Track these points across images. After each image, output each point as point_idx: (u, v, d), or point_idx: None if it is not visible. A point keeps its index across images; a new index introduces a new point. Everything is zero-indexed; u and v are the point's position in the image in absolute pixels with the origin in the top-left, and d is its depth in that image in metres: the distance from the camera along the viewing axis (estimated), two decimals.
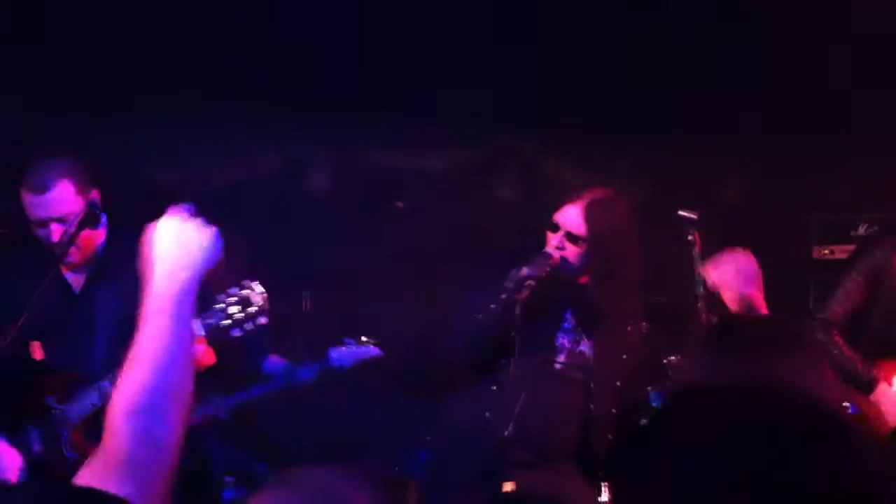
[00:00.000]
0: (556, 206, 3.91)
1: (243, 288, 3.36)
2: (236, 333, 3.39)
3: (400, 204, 5.56)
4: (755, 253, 3.43)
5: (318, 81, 5.42)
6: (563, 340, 3.94)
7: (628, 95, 5.41)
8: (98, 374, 3.60)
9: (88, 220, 3.62)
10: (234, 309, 3.35)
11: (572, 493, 3.77)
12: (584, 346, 3.93)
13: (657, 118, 5.41)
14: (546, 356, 3.89)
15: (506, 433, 3.70)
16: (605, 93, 5.42)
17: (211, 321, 3.37)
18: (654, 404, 4.65)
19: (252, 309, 3.36)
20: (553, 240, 3.83)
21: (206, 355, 3.59)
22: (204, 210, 5.06)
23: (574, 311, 3.94)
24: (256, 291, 3.35)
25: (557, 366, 3.91)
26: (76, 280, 3.77)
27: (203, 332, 3.40)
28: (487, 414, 3.79)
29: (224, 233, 2.24)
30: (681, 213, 3.87)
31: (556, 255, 3.81)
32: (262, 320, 3.37)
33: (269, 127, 5.49)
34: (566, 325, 3.95)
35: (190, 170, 5.48)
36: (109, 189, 3.76)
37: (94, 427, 3.57)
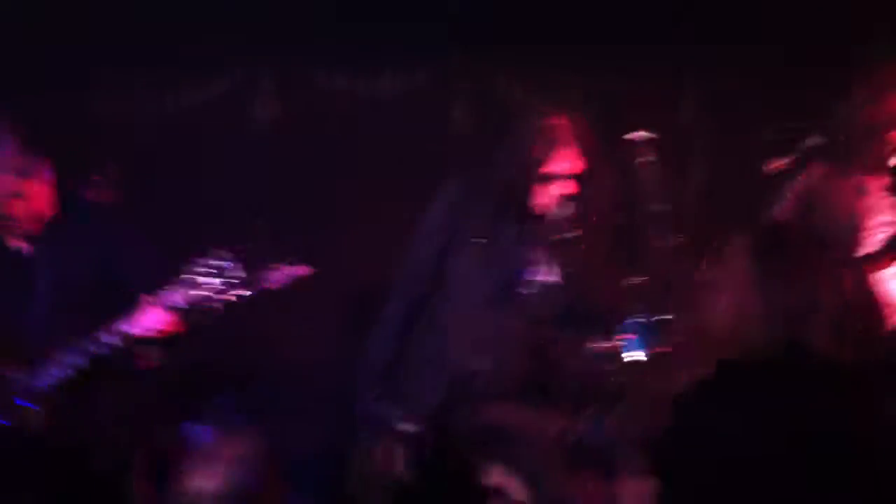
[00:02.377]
0: (513, 131, 3.85)
1: (215, 260, 3.38)
2: (209, 305, 3.44)
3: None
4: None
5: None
6: (529, 273, 3.88)
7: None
8: (40, 340, 3.59)
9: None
10: (206, 279, 3.38)
11: (533, 422, 3.77)
12: (551, 277, 3.89)
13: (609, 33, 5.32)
14: (511, 289, 3.85)
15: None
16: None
17: (182, 292, 3.40)
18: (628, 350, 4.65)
19: (224, 280, 3.38)
20: (554, 189, 3.76)
21: (173, 324, 3.58)
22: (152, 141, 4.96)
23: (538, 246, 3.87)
24: (233, 262, 3.38)
25: (526, 297, 3.86)
26: (21, 250, 3.74)
27: (172, 301, 3.42)
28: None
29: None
30: (629, 136, 3.83)
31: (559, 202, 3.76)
32: (237, 293, 3.40)
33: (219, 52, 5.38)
34: (531, 257, 3.88)
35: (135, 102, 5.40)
36: (58, 156, 3.70)
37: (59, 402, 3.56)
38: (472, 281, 3.78)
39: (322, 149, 5.52)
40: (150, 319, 3.53)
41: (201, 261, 3.45)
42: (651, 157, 3.78)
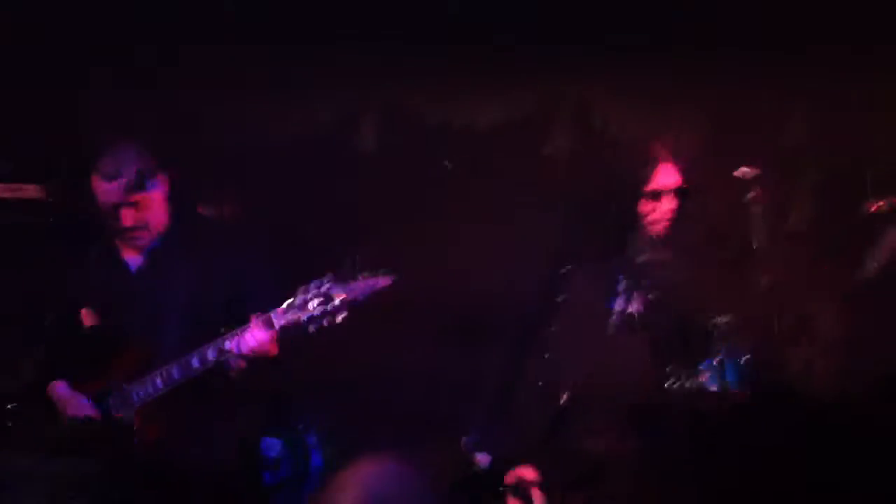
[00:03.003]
0: (618, 157, 3.89)
1: (323, 284, 3.45)
2: (312, 329, 3.48)
3: (447, 164, 5.55)
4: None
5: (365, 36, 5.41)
6: (616, 303, 3.92)
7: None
8: (154, 353, 3.67)
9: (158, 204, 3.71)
10: (313, 304, 3.44)
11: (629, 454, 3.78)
12: (634, 307, 3.91)
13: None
14: (598, 321, 3.88)
15: (562, 401, 3.71)
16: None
17: (290, 315, 3.45)
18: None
19: (331, 306, 3.43)
20: (664, 204, 3.79)
21: (272, 345, 3.64)
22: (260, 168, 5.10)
23: (626, 274, 3.90)
24: (337, 289, 3.44)
25: (611, 329, 3.90)
26: (134, 261, 3.85)
27: (280, 325, 3.48)
28: (540, 383, 3.79)
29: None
30: (737, 174, 3.84)
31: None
32: (340, 318, 3.45)
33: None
34: (619, 287, 3.93)
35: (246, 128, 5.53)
36: (174, 174, 3.82)
37: (154, 411, 3.65)
38: (582, 304, 3.81)
39: (421, 175, 5.59)
40: (256, 339, 3.60)
41: (312, 284, 3.51)
42: (756, 194, 3.79)
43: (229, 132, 5.55)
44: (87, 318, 3.73)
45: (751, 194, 3.80)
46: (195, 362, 3.61)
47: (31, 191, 4.59)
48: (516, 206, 5.07)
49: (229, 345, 3.60)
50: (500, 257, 4.38)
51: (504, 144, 5.63)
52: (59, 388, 3.72)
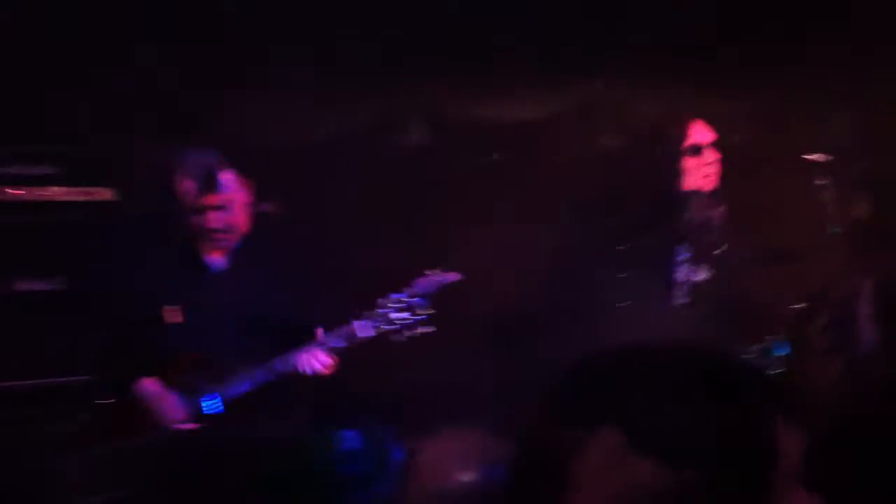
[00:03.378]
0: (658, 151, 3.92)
1: (411, 295, 3.49)
2: (399, 339, 3.52)
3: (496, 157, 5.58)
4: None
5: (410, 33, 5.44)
6: (680, 273, 3.93)
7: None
8: (232, 355, 3.70)
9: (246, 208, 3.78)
10: (399, 315, 3.47)
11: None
12: (701, 275, 3.92)
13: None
14: (663, 292, 3.89)
15: (634, 377, 3.69)
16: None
17: (377, 324, 3.49)
18: (776, 353, 4.67)
19: (418, 317, 3.46)
20: (706, 157, 3.81)
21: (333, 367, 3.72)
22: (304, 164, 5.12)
23: (684, 242, 3.92)
24: (422, 299, 3.48)
25: (678, 299, 3.90)
26: (215, 262, 3.88)
27: (370, 335, 3.53)
28: (612, 363, 3.79)
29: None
30: (808, 157, 3.88)
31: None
32: (426, 330, 3.53)
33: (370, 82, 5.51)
34: (680, 257, 3.93)
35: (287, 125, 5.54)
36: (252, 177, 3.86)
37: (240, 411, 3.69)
38: (645, 279, 3.83)
39: (467, 173, 5.63)
40: (319, 359, 3.65)
41: (392, 297, 3.54)
42: (826, 180, 3.83)
43: (276, 134, 5.59)
44: (168, 316, 3.75)
45: (821, 179, 3.84)
46: (280, 366, 3.66)
47: (103, 193, 4.61)
48: (563, 197, 5.10)
49: (294, 360, 3.64)
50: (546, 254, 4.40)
51: (550, 138, 5.66)
52: (150, 385, 3.74)
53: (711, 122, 4.07)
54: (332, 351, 3.65)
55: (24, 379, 4.43)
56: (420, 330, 3.56)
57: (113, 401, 3.61)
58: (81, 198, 4.49)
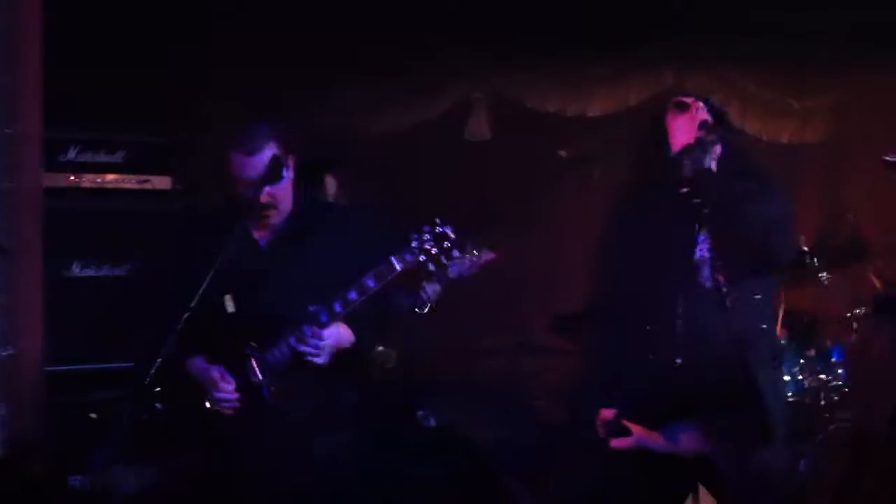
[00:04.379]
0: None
1: (436, 226, 3.52)
2: (431, 268, 3.58)
3: (563, 153, 5.55)
4: None
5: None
6: (699, 252, 3.78)
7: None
8: (284, 324, 3.74)
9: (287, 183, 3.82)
10: (429, 245, 3.50)
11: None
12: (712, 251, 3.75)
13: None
14: (689, 277, 3.76)
15: (677, 362, 3.59)
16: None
17: (408, 257, 3.52)
18: (834, 358, 4.56)
19: (447, 244, 3.50)
20: (693, 114, 3.72)
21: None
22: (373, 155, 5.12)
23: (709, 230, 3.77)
24: (449, 230, 3.52)
25: (706, 282, 3.75)
26: (262, 237, 3.91)
27: (400, 268, 3.56)
28: (651, 356, 3.72)
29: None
30: (888, 158, 3.77)
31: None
32: (456, 254, 3.57)
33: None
34: (700, 238, 3.78)
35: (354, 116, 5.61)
36: (300, 154, 3.89)
37: (287, 378, 3.72)
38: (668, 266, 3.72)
39: (530, 164, 5.64)
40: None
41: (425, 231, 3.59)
42: None
43: (342, 119, 5.66)
44: (230, 303, 3.80)
45: None
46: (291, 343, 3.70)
47: (159, 182, 4.70)
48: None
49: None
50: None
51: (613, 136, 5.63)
52: (199, 363, 3.79)
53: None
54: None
55: (84, 363, 4.55)
56: (454, 255, 3.58)
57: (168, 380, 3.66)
58: (136, 186, 4.60)
